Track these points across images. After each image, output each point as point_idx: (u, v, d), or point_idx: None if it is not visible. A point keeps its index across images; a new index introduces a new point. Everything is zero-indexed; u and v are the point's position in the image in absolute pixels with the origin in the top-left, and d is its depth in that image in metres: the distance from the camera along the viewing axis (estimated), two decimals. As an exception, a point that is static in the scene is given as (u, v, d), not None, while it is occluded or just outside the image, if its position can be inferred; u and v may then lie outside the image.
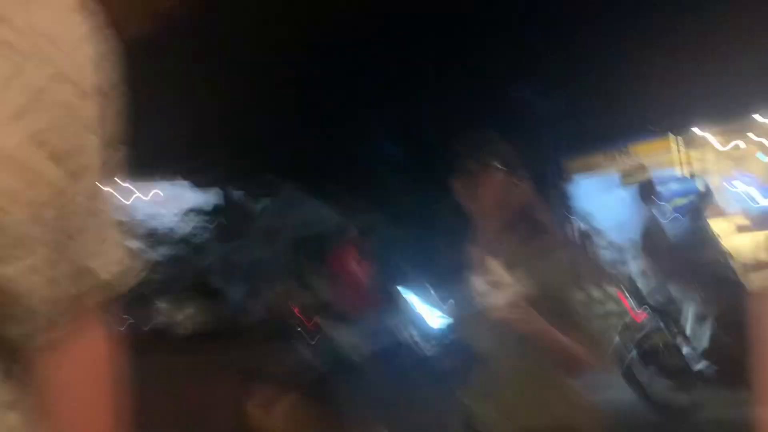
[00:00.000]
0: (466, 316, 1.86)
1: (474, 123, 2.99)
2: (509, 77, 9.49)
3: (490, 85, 9.22)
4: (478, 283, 1.71)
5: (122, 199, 10.67)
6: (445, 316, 6.38)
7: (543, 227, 1.91)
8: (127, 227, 0.72)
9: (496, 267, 1.70)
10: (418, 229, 8.94)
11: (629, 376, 4.84)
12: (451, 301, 2.09)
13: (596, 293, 4.99)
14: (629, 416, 4.55)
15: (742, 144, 11.36)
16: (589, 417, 1.83)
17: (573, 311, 1.77)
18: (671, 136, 11.35)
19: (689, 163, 11.69)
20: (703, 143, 11.73)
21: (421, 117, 9.34)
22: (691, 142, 11.64)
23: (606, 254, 8.16)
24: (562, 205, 10.33)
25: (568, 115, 10.10)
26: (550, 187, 9.44)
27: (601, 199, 10.90)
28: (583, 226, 9.57)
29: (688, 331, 5.16)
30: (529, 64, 9.45)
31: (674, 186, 10.44)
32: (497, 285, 1.68)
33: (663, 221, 6.32)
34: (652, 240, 5.50)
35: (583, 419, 1.81)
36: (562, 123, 10.14)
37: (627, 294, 5.29)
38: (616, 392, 4.76)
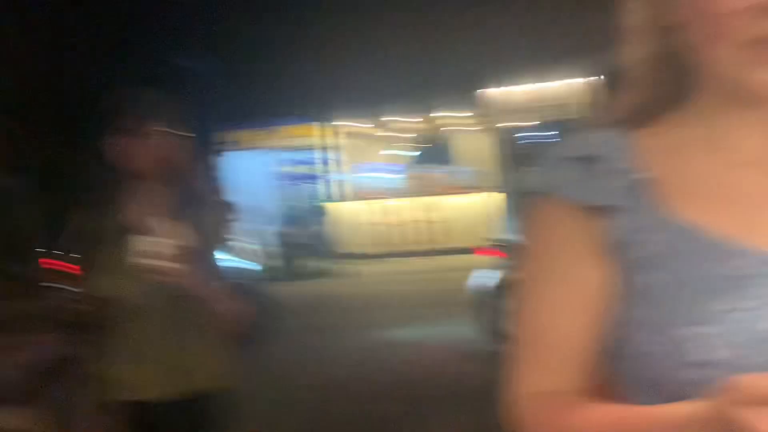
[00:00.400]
0: (121, 274, 1.76)
1: (130, 84, 3.00)
2: (168, 45, 9.54)
3: (145, 49, 9.24)
4: (136, 241, 1.70)
5: None
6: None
7: (197, 188, 1.95)
8: None
9: (155, 225, 1.71)
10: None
11: None
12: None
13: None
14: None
15: (378, 133, 13.08)
16: (230, 382, 1.88)
17: (219, 269, 1.87)
18: (316, 122, 12.58)
19: (328, 147, 12.99)
20: (344, 130, 12.86)
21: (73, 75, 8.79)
22: (332, 129, 12.84)
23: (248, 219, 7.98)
24: (213, 172, 10.28)
25: (223, 89, 10.60)
26: (204, 155, 9.01)
27: (246, 171, 11.95)
28: (229, 193, 9.23)
29: None
30: (190, 36, 9.83)
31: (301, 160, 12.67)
32: (155, 243, 1.67)
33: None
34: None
35: (226, 384, 1.86)
36: (219, 96, 10.46)
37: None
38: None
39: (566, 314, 0.72)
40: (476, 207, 11.80)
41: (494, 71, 11.73)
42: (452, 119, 13.02)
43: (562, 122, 11.61)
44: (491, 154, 13.17)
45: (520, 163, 15.02)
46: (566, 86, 11.94)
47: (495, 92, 12.21)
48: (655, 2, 0.72)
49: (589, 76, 11.65)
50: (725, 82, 0.67)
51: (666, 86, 0.74)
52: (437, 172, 12.97)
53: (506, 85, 12.15)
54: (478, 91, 12.08)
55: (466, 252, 11.34)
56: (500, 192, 12.32)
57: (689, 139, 0.72)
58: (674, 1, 0.69)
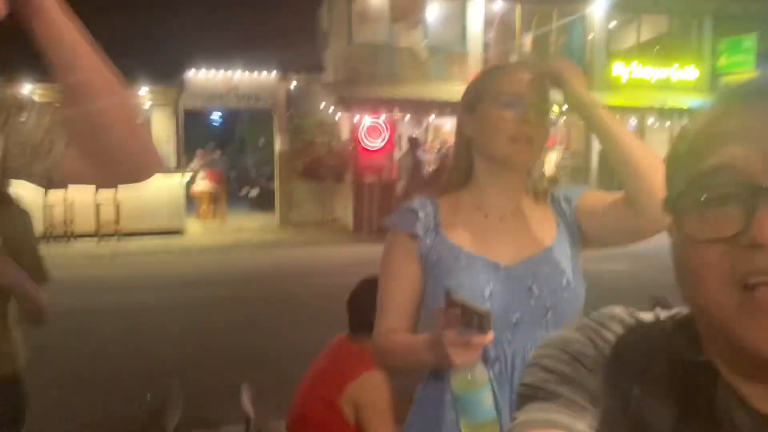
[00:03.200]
0: None
1: None
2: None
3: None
4: None
5: None
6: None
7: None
8: None
9: None
10: None
11: None
12: None
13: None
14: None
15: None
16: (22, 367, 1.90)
17: (36, 264, 1.92)
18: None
19: None
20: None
21: None
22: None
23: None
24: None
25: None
26: None
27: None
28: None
29: None
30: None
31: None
32: None
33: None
34: None
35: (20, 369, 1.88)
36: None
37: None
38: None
39: (399, 291, 1.39)
40: (164, 188, 11.81)
41: (195, 55, 11.90)
42: (147, 96, 12.68)
43: (254, 109, 12.30)
44: (180, 135, 13.33)
45: (207, 146, 15.61)
46: (259, 77, 12.84)
47: (193, 75, 12.34)
48: (460, 123, 1.42)
49: (281, 71, 13.01)
50: (495, 159, 1.35)
51: (461, 171, 1.43)
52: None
53: (206, 69, 12.38)
54: (178, 71, 12.07)
55: (152, 234, 11.51)
56: (184, 173, 12.74)
57: (466, 201, 1.41)
58: (470, 123, 1.38)
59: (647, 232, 1.28)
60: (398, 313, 1.38)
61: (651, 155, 1.28)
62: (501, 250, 1.34)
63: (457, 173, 1.43)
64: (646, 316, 0.66)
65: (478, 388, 1.13)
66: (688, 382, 0.58)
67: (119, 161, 0.96)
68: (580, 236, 1.40)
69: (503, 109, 1.31)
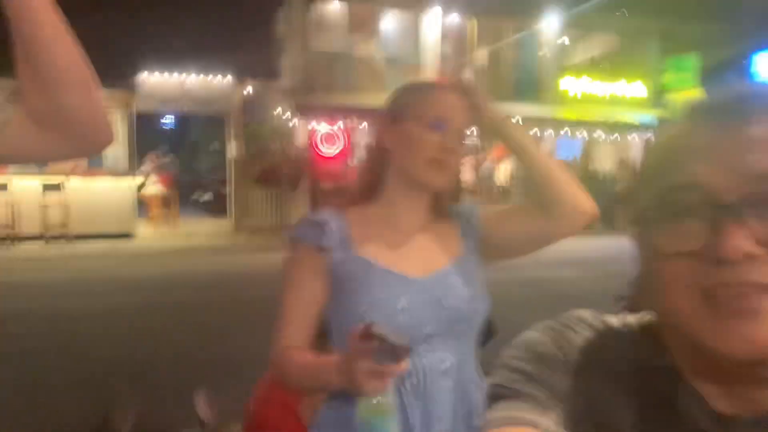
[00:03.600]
0: None
1: None
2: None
3: None
4: None
5: None
6: None
7: None
8: None
9: None
10: None
11: None
12: None
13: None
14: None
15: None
16: None
17: None
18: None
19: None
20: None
21: None
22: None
23: None
24: None
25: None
26: None
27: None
28: None
29: None
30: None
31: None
32: None
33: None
34: None
35: None
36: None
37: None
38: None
39: (302, 305, 1.35)
40: (115, 191, 11.62)
41: (148, 58, 11.79)
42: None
43: (208, 114, 12.10)
44: (131, 138, 13.09)
45: (159, 150, 15.35)
46: (214, 82, 12.74)
47: (145, 78, 12.17)
48: (379, 132, 1.40)
49: (237, 76, 12.94)
50: (411, 178, 1.35)
51: (371, 184, 1.41)
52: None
53: (159, 73, 12.22)
54: (130, 74, 11.92)
55: (102, 237, 11.28)
56: (136, 177, 12.56)
57: (375, 215, 1.39)
58: (390, 134, 1.37)
59: (558, 235, 1.41)
60: (300, 329, 1.34)
61: (559, 165, 1.40)
62: (411, 264, 1.35)
63: (368, 185, 1.42)
64: (613, 320, 0.68)
65: (386, 414, 1.14)
66: (651, 384, 0.62)
67: (75, 127, 0.94)
68: (485, 249, 1.44)
69: (428, 130, 1.32)
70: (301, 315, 1.35)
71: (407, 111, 1.35)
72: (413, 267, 1.35)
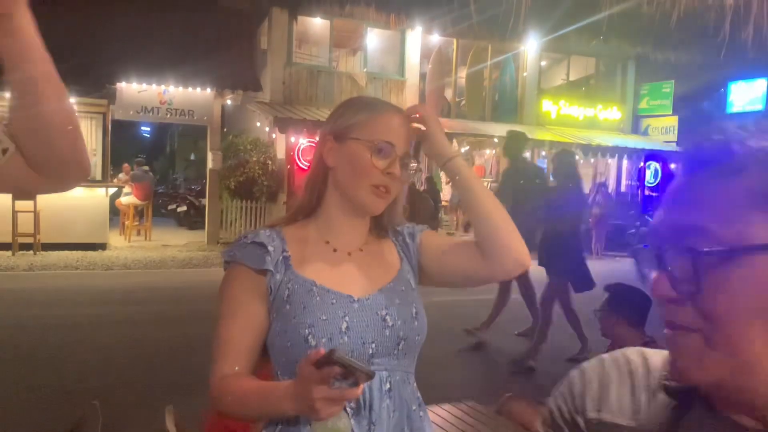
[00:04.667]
0: None
1: None
2: None
3: None
4: None
5: None
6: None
7: None
8: None
9: None
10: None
11: None
12: None
13: None
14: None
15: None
16: None
17: None
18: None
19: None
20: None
21: None
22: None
23: None
24: None
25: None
26: None
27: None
28: None
29: None
30: None
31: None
32: None
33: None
34: None
35: None
36: None
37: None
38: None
39: (242, 330, 1.29)
40: (88, 200, 11.44)
41: (127, 67, 11.59)
42: (75, 106, 12.23)
43: (186, 124, 11.90)
44: (106, 147, 12.93)
45: (135, 160, 15.17)
46: (194, 93, 12.63)
47: (124, 87, 12.01)
48: (323, 148, 1.35)
49: (217, 88, 12.84)
50: (352, 200, 1.33)
51: (310, 200, 1.37)
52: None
53: (137, 83, 12.08)
54: (108, 82, 11.72)
55: (74, 247, 11.08)
56: (110, 186, 12.37)
57: (314, 234, 1.37)
58: (334, 152, 1.33)
59: (491, 279, 1.40)
60: (241, 355, 1.28)
61: (501, 208, 1.38)
62: (352, 283, 1.33)
63: (308, 201, 1.38)
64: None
65: None
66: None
67: (62, 167, 0.99)
68: (420, 272, 1.43)
69: (374, 155, 1.29)
70: (241, 341, 1.29)
71: (354, 131, 1.32)
72: (355, 286, 1.33)
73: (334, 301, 1.28)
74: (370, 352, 1.28)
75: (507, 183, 6.22)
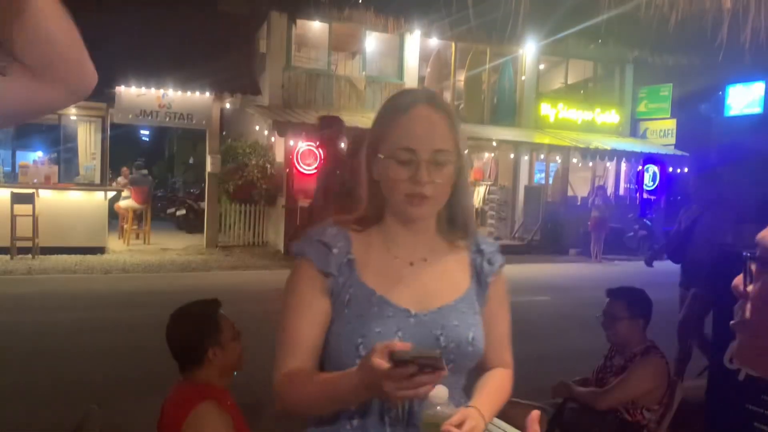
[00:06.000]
0: None
1: None
2: None
3: None
4: None
5: None
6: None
7: None
8: None
9: None
10: None
11: None
12: None
13: None
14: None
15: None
16: None
17: None
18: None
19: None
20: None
21: None
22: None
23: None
24: None
25: None
26: None
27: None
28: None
29: None
30: None
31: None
32: None
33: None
34: None
35: None
36: None
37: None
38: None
39: (307, 326, 1.30)
40: (87, 204, 11.43)
41: (126, 71, 11.59)
42: (74, 109, 12.25)
43: (185, 128, 11.83)
44: (105, 151, 12.93)
45: (134, 163, 15.16)
46: (193, 97, 12.63)
47: (123, 91, 12.02)
48: (367, 163, 1.33)
49: (216, 92, 12.84)
50: (396, 211, 1.33)
51: (373, 209, 1.36)
52: (46, 164, 12.04)
53: (136, 86, 12.09)
54: (107, 86, 11.75)
55: (72, 251, 11.05)
56: (108, 190, 12.36)
57: (377, 240, 1.36)
58: (375, 166, 1.31)
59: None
60: (306, 352, 1.29)
61: (507, 394, 1.42)
62: (411, 295, 1.31)
63: (371, 211, 1.36)
64: None
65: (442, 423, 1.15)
66: None
67: (64, 68, 0.96)
68: (485, 299, 1.40)
69: (399, 167, 1.27)
70: (306, 338, 1.30)
71: (378, 144, 1.30)
72: (413, 299, 1.31)
73: (391, 314, 1.28)
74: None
75: None
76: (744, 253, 0.71)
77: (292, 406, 1.29)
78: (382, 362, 1.06)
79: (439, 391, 1.14)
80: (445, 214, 1.37)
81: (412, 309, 1.30)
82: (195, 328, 2.20)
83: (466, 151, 1.36)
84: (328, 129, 5.18)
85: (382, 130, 1.31)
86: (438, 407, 1.15)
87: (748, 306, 0.69)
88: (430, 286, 1.34)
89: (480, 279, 1.39)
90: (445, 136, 1.28)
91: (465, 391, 1.39)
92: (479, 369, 1.42)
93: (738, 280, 0.72)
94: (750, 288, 0.69)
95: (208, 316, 2.23)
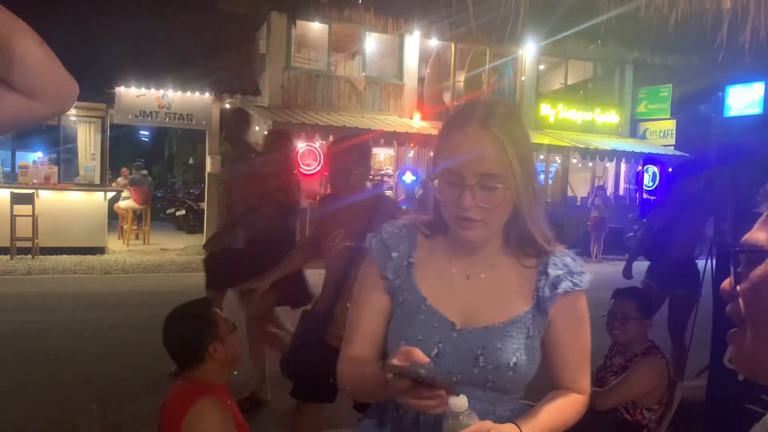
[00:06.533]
0: None
1: None
2: None
3: None
4: None
5: None
6: None
7: None
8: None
9: None
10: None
11: None
12: None
13: None
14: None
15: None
16: None
17: None
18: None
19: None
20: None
21: None
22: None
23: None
24: None
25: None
26: None
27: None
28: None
29: None
30: None
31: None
32: None
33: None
34: None
35: None
36: None
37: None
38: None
39: (367, 318, 1.38)
40: (87, 205, 11.42)
41: (126, 72, 11.60)
42: (73, 110, 12.29)
43: (185, 128, 11.87)
44: (105, 151, 12.93)
45: (134, 164, 15.15)
46: (192, 97, 12.63)
47: (123, 92, 12.01)
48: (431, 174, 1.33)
49: (216, 92, 12.84)
50: (453, 231, 1.32)
51: (438, 221, 1.36)
52: (46, 164, 12.04)
53: (136, 87, 12.09)
54: (107, 87, 11.69)
55: (72, 251, 11.05)
56: (108, 190, 12.36)
57: (440, 248, 1.38)
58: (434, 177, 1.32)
59: None
60: (364, 340, 1.37)
61: (569, 418, 1.38)
62: (460, 309, 1.31)
63: (437, 221, 1.36)
64: None
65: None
66: None
67: (44, 85, 1.00)
68: (546, 323, 1.36)
69: (448, 188, 1.26)
70: (367, 328, 1.38)
71: (438, 160, 1.29)
72: (461, 314, 1.32)
73: (436, 324, 1.31)
74: (454, 379, 1.27)
75: None
76: (732, 254, 0.72)
77: (347, 391, 1.39)
78: (383, 371, 1.14)
79: (458, 401, 1.14)
80: (513, 232, 1.34)
81: (458, 323, 1.31)
82: (193, 326, 2.22)
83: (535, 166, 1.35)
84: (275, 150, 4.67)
85: (438, 148, 1.31)
86: (459, 417, 1.15)
87: (740, 303, 0.69)
88: (482, 303, 1.33)
89: (539, 304, 1.34)
90: (495, 159, 1.23)
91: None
92: (553, 389, 1.41)
93: (726, 283, 0.72)
94: (739, 288, 0.70)
95: (202, 313, 2.25)
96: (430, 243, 1.38)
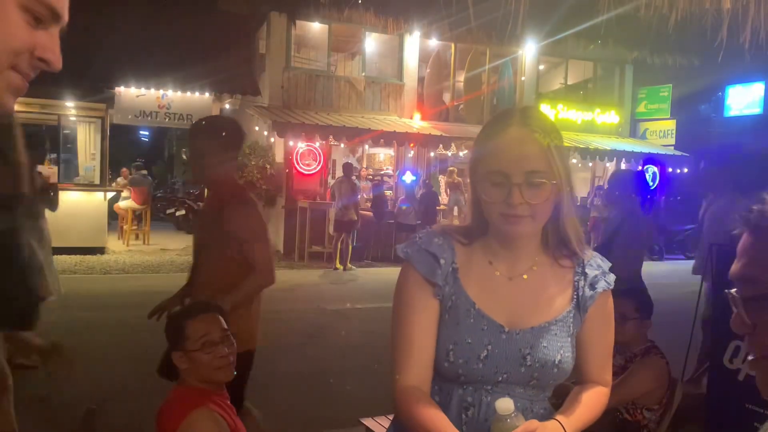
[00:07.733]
0: None
1: None
2: None
3: None
4: None
5: None
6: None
7: None
8: None
9: None
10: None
11: None
12: None
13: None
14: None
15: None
16: None
17: None
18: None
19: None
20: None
21: None
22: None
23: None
24: None
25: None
26: None
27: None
28: None
29: None
30: None
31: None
32: None
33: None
34: None
35: None
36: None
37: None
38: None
39: (420, 335, 1.34)
40: (86, 204, 11.42)
41: (125, 72, 11.57)
42: (73, 110, 12.26)
43: (185, 128, 11.95)
44: (105, 151, 12.91)
45: (134, 164, 15.15)
46: (192, 97, 12.62)
47: (122, 92, 12.00)
48: (471, 182, 1.37)
49: (215, 92, 12.84)
50: (495, 230, 1.35)
51: (477, 225, 1.39)
52: (46, 165, 12.03)
53: (136, 87, 12.08)
54: (107, 87, 11.67)
55: (72, 251, 11.05)
56: (108, 190, 12.35)
57: (479, 252, 1.39)
58: (474, 180, 1.35)
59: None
60: (423, 367, 1.34)
61: (598, 411, 1.45)
62: (507, 311, 1.35)
63: (475, 226, 1.39)
64: None
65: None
66: None
67: None
68: (583, 320, 1.41)
69: (493, 189, 1.29)
70: (420, 349, 1.34)
71: (476, 165, 1.33)
72: (508, 315, 1.35)
73: (485, 327, 1.33)
74: (500, 379, 1.33)
75: None
76: (727, 293, 0.76)
77: (403, 421, 1.34)
78: None
79: (504, 403, 1.18)
80: (551, 231, 1.38)
81: (506, 326, 1.34)
82: (169, 332, 2.26)
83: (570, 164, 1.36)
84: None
85: (478, 151, 1.34)
86: (507, 420, 1.18)
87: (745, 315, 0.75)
88: (526, 304, 1.36)
89: (579, 303, 1.39)
90: (538, 156, 1.28)
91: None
92: (579, 382, 1.47)
93: (735, 322, 0.76)
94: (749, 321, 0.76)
95: (176, 323, 2.24)
96: (467, 249, 1.39)
